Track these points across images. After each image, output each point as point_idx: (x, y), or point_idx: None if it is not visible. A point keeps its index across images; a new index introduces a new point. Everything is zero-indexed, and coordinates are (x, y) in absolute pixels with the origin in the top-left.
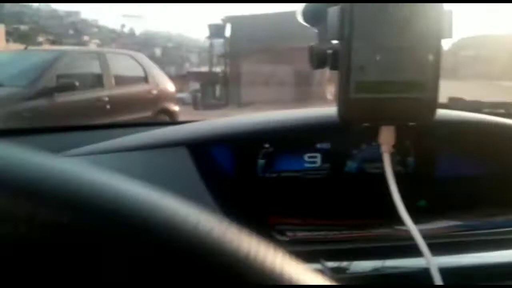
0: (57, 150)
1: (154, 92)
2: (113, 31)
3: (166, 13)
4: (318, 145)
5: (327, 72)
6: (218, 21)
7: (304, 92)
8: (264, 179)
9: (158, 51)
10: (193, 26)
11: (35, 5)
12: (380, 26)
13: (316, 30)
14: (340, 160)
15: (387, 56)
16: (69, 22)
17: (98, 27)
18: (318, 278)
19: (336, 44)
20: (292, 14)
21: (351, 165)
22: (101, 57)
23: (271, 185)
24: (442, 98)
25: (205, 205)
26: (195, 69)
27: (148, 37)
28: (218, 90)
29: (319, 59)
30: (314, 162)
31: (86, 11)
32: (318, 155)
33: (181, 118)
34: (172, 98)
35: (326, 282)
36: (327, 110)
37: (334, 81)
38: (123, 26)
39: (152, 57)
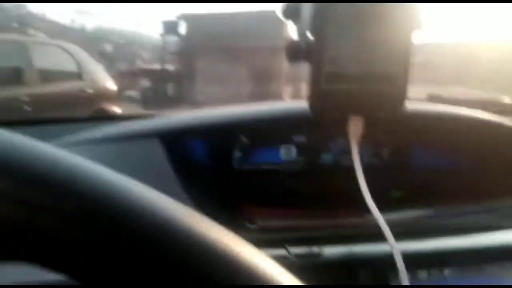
0: (47, 138)
1: (90, 90)
2: (62, 25)
3: (118, 9)
4: (294, 138)
5: (284, 72)
6: (172, 18)
7: (260, 92)
8: (240, 171)
9: (109, 47)
10: (146, 22)
11: None
12: (352, 19)
13: (295, 26)
14: (316, 152)
15: (358, 48)
16: (14, 14)
17: (46, 21)
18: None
19: (310, 37)
20: (248, 14)
21: (326, 157)
22: (22, 48)
23: (247, 177)
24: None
25: (176, 197)
26: (146, 66)
27: (99, 32)
28: (170, 88)
29: (293, 52)
30: (289, 154)
31: (33, 4)
32: (294, 147)
33: None
34: (112, 98)
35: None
36: (303, 103)
37: (292, 82)
38: (73, 21)
39: (103, 53)
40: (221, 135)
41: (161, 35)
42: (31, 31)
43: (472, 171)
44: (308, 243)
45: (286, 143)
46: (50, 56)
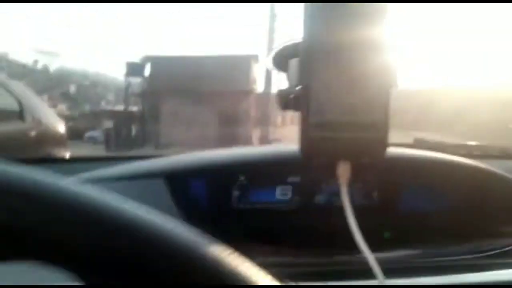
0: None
1: (32, 133)
2: (24, 66)
3: (82, 50)
4: (290, 179)
5: (252, 116)
6: (136, 60)
7: (227, 135)
8: (238, 209)
9: (73, 88)
10: (110, 64)
11: None
12: (335, 73)
13: (285, 75)
14: (310, 193)
15: (342, 99)
16: None
17: (8, 61)
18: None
19: (299, 88)
20: (214, 58)
21: (319, 197)
22: None
23: (245, 215)
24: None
25: None
26: (109, 108)
27: (63, 73)
28: (134, 129)
29: (284, 102)
30: (285, 194)
31: None
32: (290, 187)
33: None
34: (60, 141)
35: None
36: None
37: (260, 125)
38: (36, 61)
39: (67, 95)
40: (221, 176)
41: (125, 76)
42: None
43: (457, 212)
44: (302, 279)
45: (281, 184)
46: None
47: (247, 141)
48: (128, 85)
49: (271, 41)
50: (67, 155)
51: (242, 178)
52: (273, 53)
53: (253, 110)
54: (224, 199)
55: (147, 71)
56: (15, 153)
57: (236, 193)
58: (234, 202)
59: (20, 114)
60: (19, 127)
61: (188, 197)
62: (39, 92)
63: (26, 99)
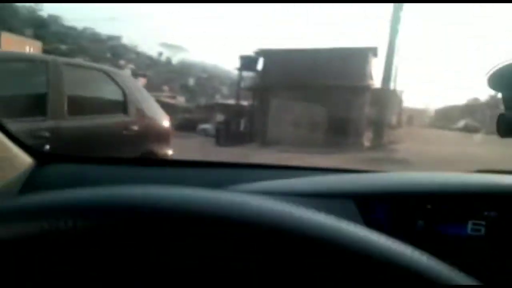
0: (218, 184)
1: (135, 127)
2: (150, 58)
3: (203, 43)
4: (485, 213)
5: (364, 115)
6: (250, 53)
7: (337, 137)
8: (422, 239)
9: (192, 81)
10: (228, 57)
11: (80, 27)
12: None
13: (502, 95)
14: (509, 230)
15: None
16: (109, 46)
17: (136, 53)
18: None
19: None
20: (330, 50)
21: None
22: (51, 70)
23: (429, 246)
24: None
25: None
26: (222, 101)
27: (183, 66)
28: (242, 124)
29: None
30: (478, 230)
31: (127, 36)
32: (484, 223)
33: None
34: (164, 137)
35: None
36: (496, 177)
37: (374, 124)
38: (160, 54)
39: (186, 87)
40: (406, 202)
41: (238, 69)
42: (122, 62)
43: None
44: None
45: (474, 218)
46: (86, 82)
47: (358, 142)
48: (240, 79)
49: (393, 32)
50: (169, 152)
51: (429, 206)
52: (493, 71)
53: (368, 107)
54: (408, 227)
55: (260, 65)
56: (117, 147)
57: (421, 222)
58: (419, 231)
59: (123, 107)
60: (122, 120)
61: (374, 221)
62: (161, 83)
63: (130, 90)
